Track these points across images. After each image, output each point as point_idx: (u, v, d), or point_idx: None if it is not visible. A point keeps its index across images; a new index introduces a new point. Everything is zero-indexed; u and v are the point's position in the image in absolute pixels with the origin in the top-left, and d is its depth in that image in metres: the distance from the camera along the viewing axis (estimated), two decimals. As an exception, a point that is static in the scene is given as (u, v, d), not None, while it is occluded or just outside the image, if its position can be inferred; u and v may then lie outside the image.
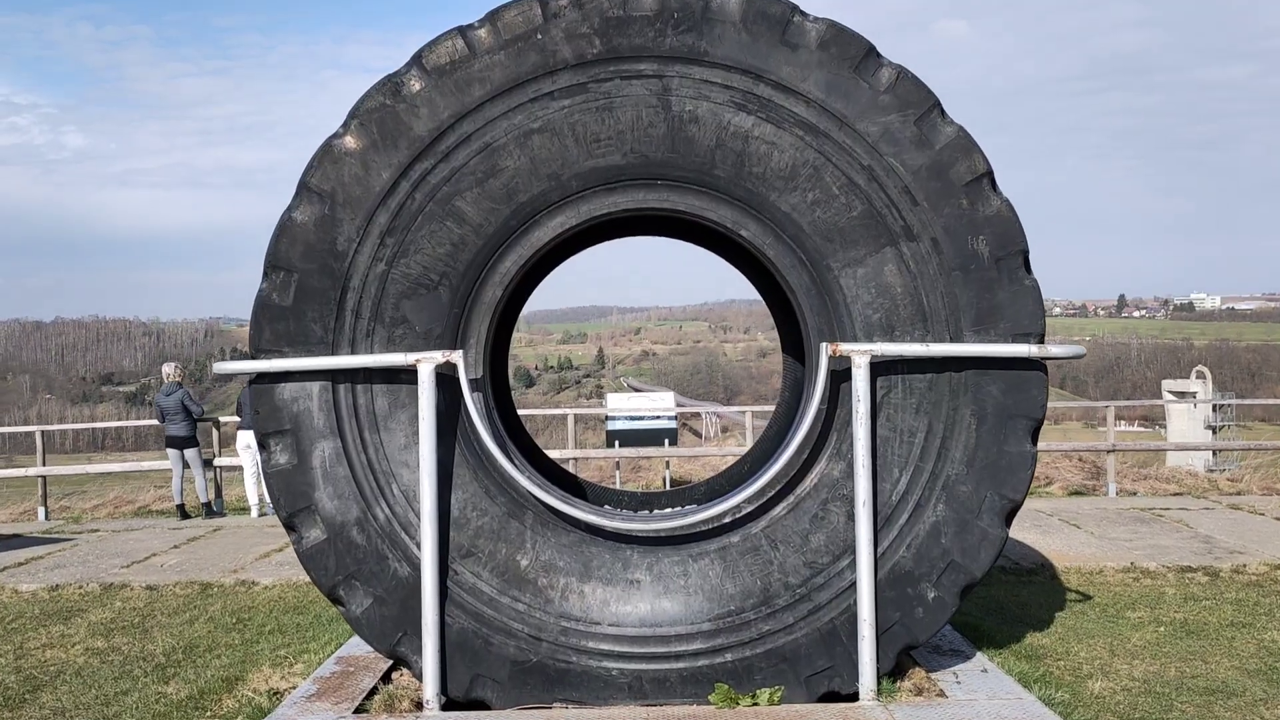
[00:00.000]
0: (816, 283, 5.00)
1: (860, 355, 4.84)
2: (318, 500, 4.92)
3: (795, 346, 6.80)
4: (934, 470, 4.94)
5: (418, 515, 4.89)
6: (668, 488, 15.00)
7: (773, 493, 5.00)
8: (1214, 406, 27.54)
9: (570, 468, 14.23)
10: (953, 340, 4.91)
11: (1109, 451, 14.81)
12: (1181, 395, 28.79)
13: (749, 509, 5.01)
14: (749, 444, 14.87)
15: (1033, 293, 4.90)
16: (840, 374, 4.98)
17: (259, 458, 5.29)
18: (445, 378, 4.96)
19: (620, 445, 15.12)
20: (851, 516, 4.93)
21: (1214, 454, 23.84)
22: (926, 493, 4.93)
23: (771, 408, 20.67)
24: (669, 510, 6.23)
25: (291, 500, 4.93)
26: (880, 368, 4.95)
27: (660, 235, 6.57)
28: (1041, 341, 4.91)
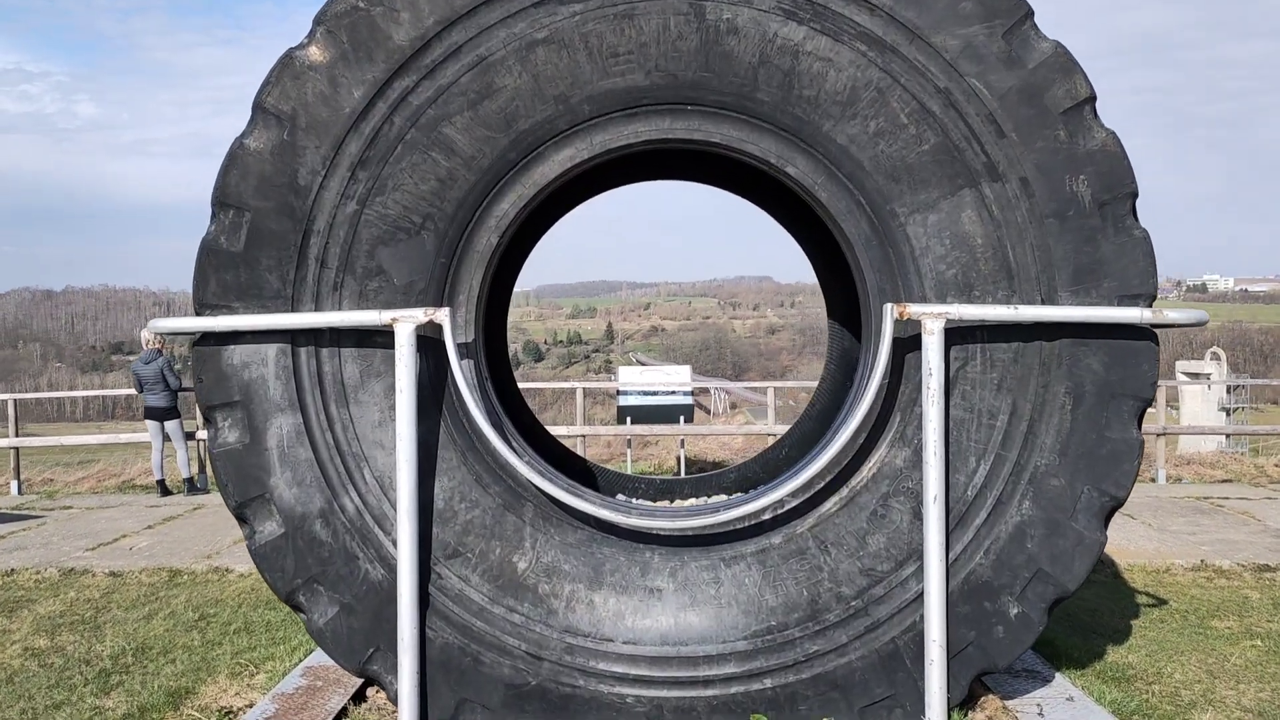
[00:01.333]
0: (878, 232, 4.18)
1: (933, 319, 4.02)
2: (274, 487, 4.13)
3: (844, 311, 5.97)
4: (1019, 460, 4.12)
5: (394, 506, 4.10)
6: (683, 468, 14.20)
7: (822, 484, 4.20)
8: (1228, 388, 26.74)
9: (578, 446, 13.46)
10: (1045, 302, 4.09)
11: (1159, 435, 13.95)
12: (1195, 376, 28.06)
13: (794, 504, 4.21)
14: (771, 424, 14.04)
15: (1143, 245, 4.07)
16: (906, 343, 4.17)
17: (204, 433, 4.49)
18: (429, 341, 4.17)
19: (632, 422, 14.31)
20: (918, 514, 4.12)
21: (1227, 437, 23.04)
22: (1009, 487, 4.12)
23: (793, 385, 19.90)
24: (694, 502, 5.43)
25: (242, 486, 4.14)
26: (955, 335, 4.13)
27: (688, 178, 5.73)
28: (1153, 305, 4.08)
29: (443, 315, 4.06)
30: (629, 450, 14.52)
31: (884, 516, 4.16)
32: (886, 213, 4.16)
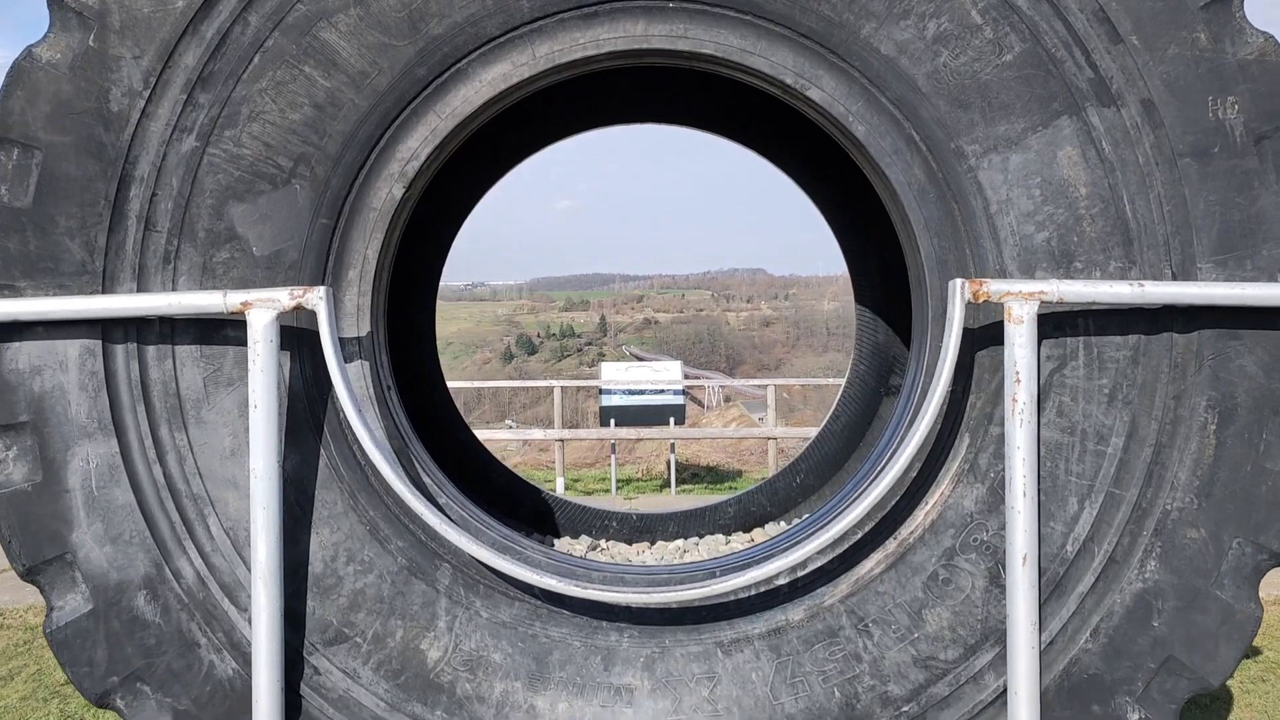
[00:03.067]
0: (939, 180, 2.99)
1: (1022, 302, 2.83)
2: (77, 545, 2.93)
3: (879, 293, 4.76)
4: (1140, 501, 2.94)
5: (251, 571, 2.90)
6: (673, 474, 13.03)
7: (860, 535, 3.00)
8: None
9: (555, 452, 12.27)
10: (1178, 277, 2.90)
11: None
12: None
13: (820, 564, 3.01)
14: (771, 426, 12.84)
15: (1317, 196, 2.88)
16: (978, 336, 2.98)
17: None
18: (307, 337, 2.97)
19: (617, 424, 13.11)
20: (997, 579, 2.94)
21: None
22: (1127, 540, 2.94)
23: (794, 381, 18.61)
24: (680, 548, 4.23)
25: (32, 544, 2.94)
26: (1050, 324, 2.95)
27: (668, 117, 4.52)
28: (1333, 281, 2.90)
29: (316, 297, 2.86)
30: (613, 455, 13.33)
31: (947, 582, 2.98)
32: (951, 153, 2.97)
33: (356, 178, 3.02)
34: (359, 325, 3.06)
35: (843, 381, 4.96)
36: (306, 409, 3.00)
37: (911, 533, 3.00)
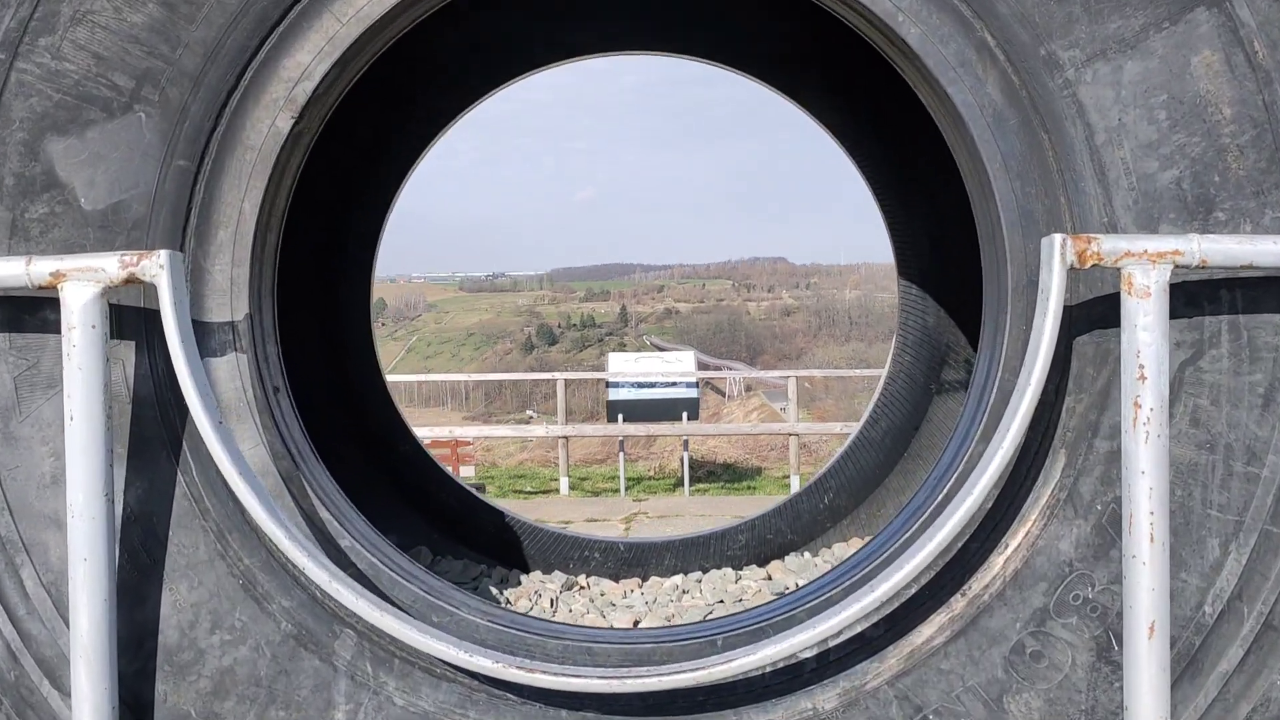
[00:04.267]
0: (1020, 96, 2.19)
1: (1147, 265, 2.02)
2: None
3: (926, 262, 3.92)
4: (1309, 545, 2.12)
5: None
6: (687, 472, 12.23)
7: (916, 590, 2.19)
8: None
9: (560, 449, 11.49)
10: (1366, 231, 2.08)
11: None
12: None
13: (860, 629, 2.21)
14: (793, 421, 11.99)
15: None
16: (1079, 313, 2.17)
17: None
18: (154, 320, 2.19)
19: (625, 419, 12.27)
20: (1107, 653, 2.14)
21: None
22: (1291, 599, 2.12)
23: (816, 373, 17.70)
24: (677, 587, 3.42)
25: None
26: (1179, 298, 2.13)
27: (673, 48, 3.70)
28: None
29: (157, 266, 2.08)
30: (622, 454, 12.52)
31: (1038, 657, 2.17)
32: (1040, 62, 2.16)
33: (226, 104, 2.23)
34: (233, 305, 2.27)
35: (879, 375, 4.14)
36: (159, 420, 2.22)
37: (986, 587, 2.19)
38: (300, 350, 3.27)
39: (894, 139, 3.79)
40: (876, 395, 3.90)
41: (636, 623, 3.34)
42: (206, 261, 2.26)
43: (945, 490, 2.22)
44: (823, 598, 2.30)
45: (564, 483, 12.03)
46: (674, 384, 12.44)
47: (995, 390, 2.25)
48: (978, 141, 2.23)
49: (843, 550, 3.74)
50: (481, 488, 10.04)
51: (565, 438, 11.79)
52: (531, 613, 3.43)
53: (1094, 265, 2.04)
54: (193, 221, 2.24)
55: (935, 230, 3.75)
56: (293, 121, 2.27)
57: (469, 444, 9.00)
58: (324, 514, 2.29)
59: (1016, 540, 2.20)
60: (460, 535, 3.73)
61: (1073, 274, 2.10)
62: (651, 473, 13.71)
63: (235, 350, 2.27)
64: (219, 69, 2.21)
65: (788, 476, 11.83)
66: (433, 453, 9.19)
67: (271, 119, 2.26)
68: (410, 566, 2.36)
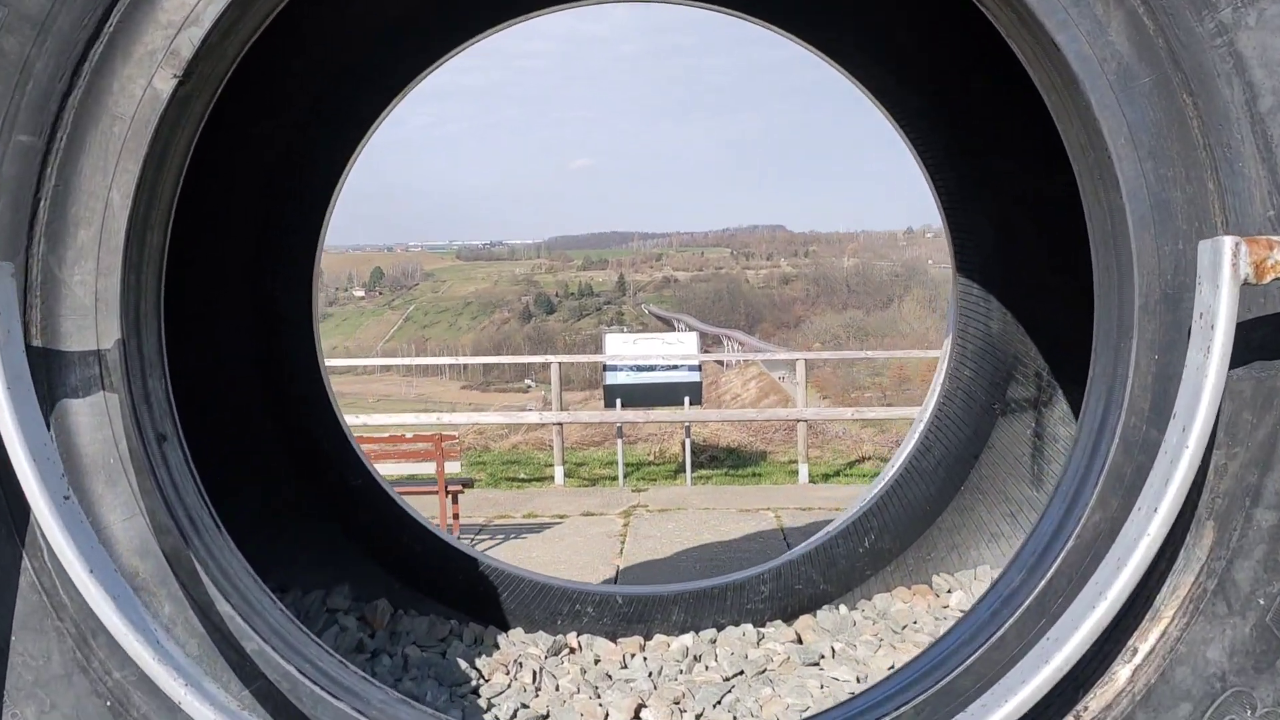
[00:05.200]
0: (1154, 46, 1.62)
1: (1351, 279, 1.45)
2: None
3: (996, 254, 3.32)
4: None
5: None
6: (689, 460, 11.68)
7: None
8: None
9: (554, 436, 10.94)
10: None
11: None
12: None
13: (938, 764, 1.66)
14: (802, 407, 11.43)
15: None
16: (1239, 337, 1.60)
17: None
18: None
19: (624, 405, 11.72)
20: (1276, 802, 1.59)
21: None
22: None
23: (826, 356, 17.01)
24: (687, 651, 2.88)
25: None
26: (1378, 321, 1.57)
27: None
28: None
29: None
30: (620, 441, 11.97)
31: (1180, 802, 1.62)
32: (1180, 5, 1.59)
33: (84, 59, 1.67)
34: (99, 329, 1.71)
35: (883, 355, 3.57)
36: (-2, 486, 1.67)
37: (1108, 709, 1.65)
38: (224, 370, 2.70)
39: (953, 108, 3.19)
40: (926, 416, 3.31)
41: (638, 712, 2.78)
42: (62, 270, 1.70)
43: (1049, 576, 1.67)
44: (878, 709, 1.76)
45: (559, 472, 11.50)
46: (675, 366, 11.89)
47: (1117, 441, 1.69)
48: (1095, 107, 1.67)
49: (885, 603, 3.18)
50: (470, 482, 9.51)
51: (559, 424, 11.25)
52: (509, 689, 2.87)
53: (1275, 280, 1.48)
54: (41, 217, 1.68)
55: (1002, 217, 3.14)
56: (176, 81, 1.71)
57: (454, 438, 8.44)
58: (224, 606, 1.74)
59: (1148, 644, 1.65)
60: (426, 585, 3.18)
61: (1250, 289, 1.55)
62: (651, 457, 13.17)
63: (102, 389, 1.72)
64: (72, 11, 1.65)
65: (795, 462, 11.31)
66: (416, 446, 8.69)
67: (147, 79, 1.69)
68: (340, 673, 1.81)
